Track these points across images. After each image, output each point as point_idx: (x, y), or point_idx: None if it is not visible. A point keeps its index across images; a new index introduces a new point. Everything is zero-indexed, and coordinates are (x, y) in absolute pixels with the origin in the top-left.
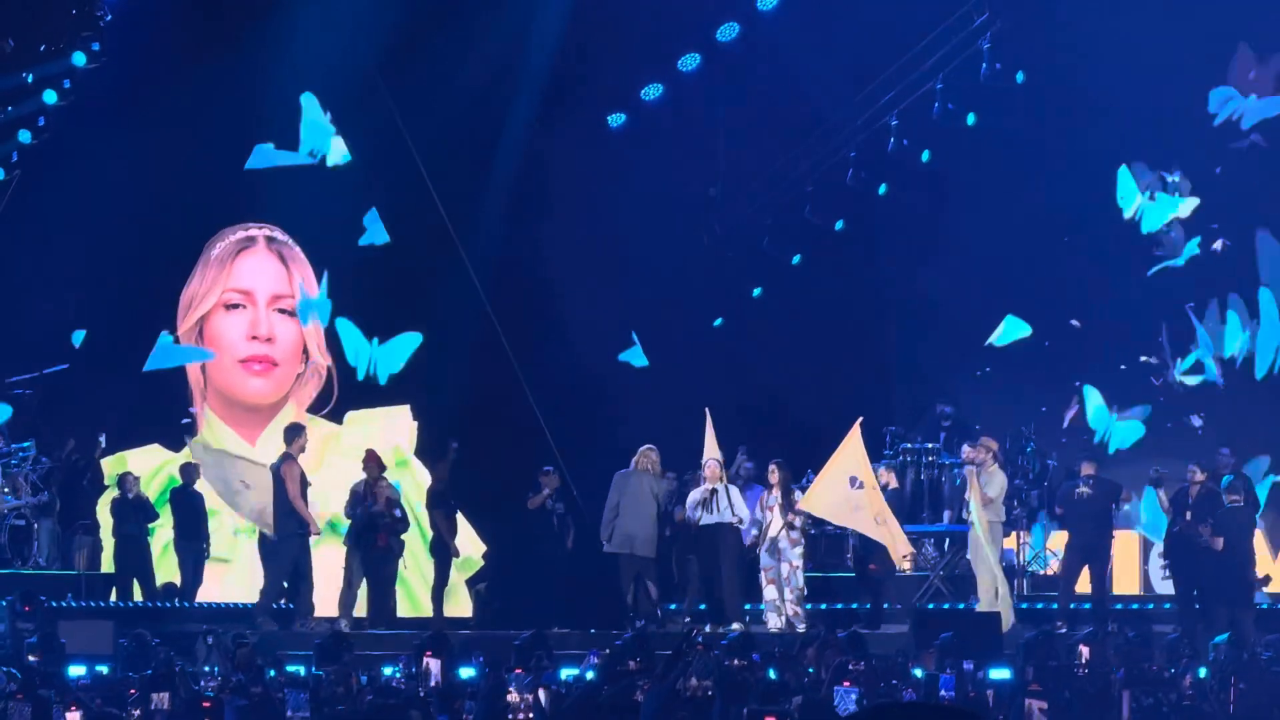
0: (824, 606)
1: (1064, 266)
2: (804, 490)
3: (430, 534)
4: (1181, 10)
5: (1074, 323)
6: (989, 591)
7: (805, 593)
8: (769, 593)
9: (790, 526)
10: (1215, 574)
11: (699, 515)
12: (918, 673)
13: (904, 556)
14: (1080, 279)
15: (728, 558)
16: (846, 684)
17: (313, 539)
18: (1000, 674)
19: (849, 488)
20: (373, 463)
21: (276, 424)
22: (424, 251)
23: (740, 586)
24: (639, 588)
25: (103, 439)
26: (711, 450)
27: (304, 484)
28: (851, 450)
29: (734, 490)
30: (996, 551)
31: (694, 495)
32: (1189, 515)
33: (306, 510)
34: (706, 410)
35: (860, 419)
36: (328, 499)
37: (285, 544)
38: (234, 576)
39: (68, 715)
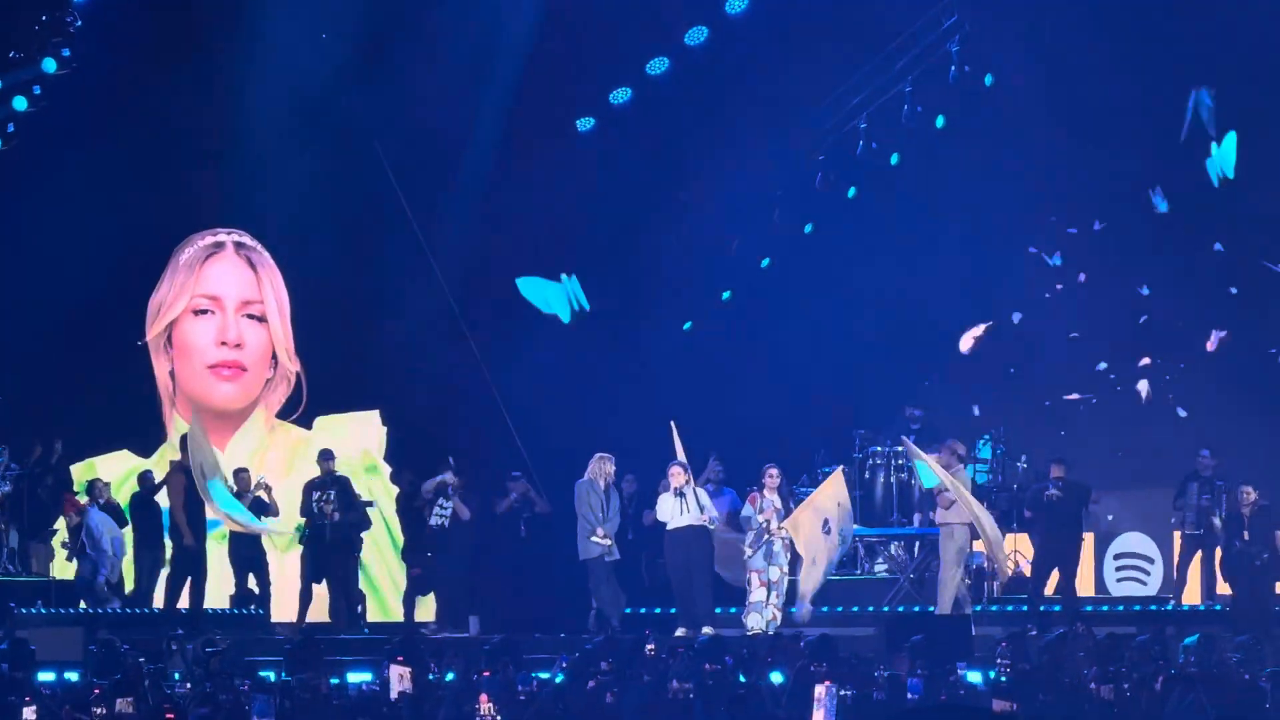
0: (793, 610)
1: (1031, 269)
2: (795, 498)
3: (401, 539)
4: (1149, 13)
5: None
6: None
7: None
8: (758, 594)
9: (784, 530)
10: (1271, 595)
11: (669, 518)
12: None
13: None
14: (1047, 281)
15: (699, 560)
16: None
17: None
18: (974, 676)
19: (820, 530)
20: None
21: (245, 429)
22: (392, 256)
23: (711, 589)
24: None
25: (59, 445)
26: (679, 454)
27: (189, 495)
28: (831, 493)
29: (701, 492)
30: (961, 553)
31: (661, 502)
32: (1246, 535)
33: (184, 521)
34: (672, 423)
35: (843, 467)
36: (296, 504)
37: (174, 552)
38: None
39: (25, 712)
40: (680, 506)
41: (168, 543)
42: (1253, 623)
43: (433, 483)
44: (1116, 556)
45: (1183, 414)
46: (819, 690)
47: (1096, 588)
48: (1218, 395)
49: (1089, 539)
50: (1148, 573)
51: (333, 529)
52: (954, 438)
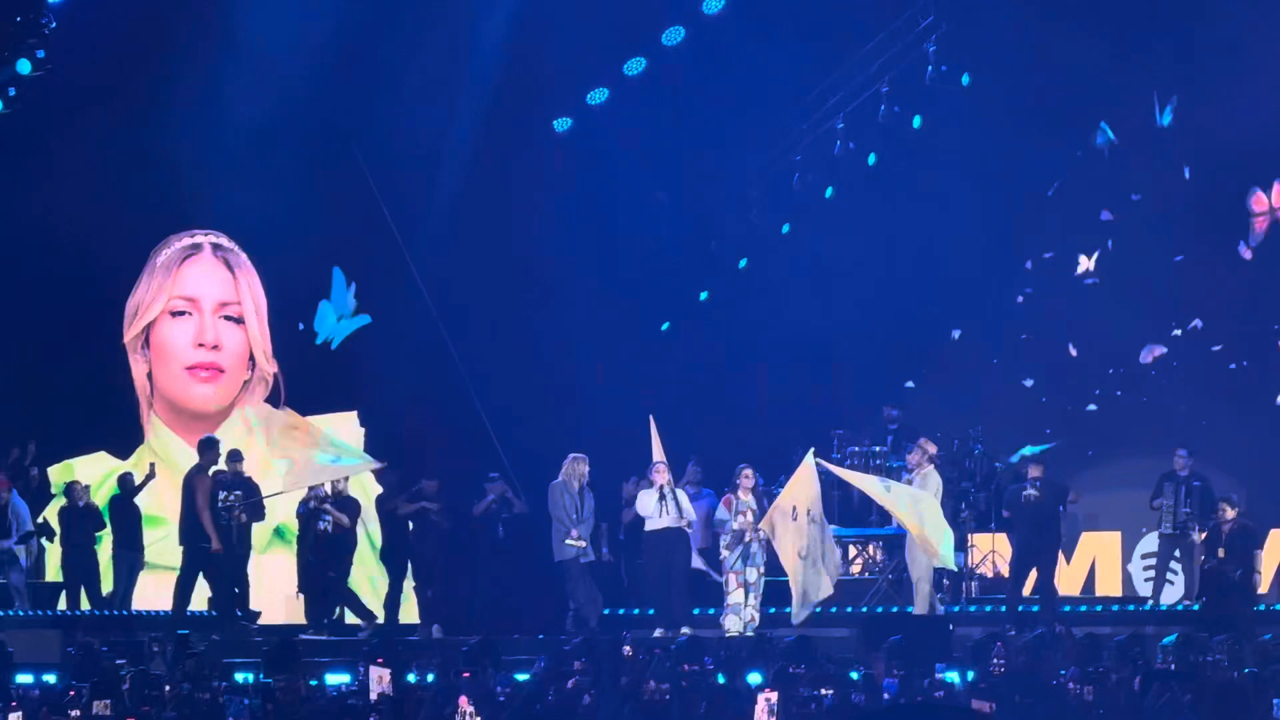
0: (787, 610)
1: (1011, 268)
2: (770, 498)
3: (380, 542)
4: (1123, 14)
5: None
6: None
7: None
8: (736, 595)
9: (760, 531)
10: (1246, 608)
11: (649, 514)
12: (854, 675)
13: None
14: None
15: (678, 562)
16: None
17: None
18: (951, 676)
19: (789, 520)
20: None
21: (223, 431)
22: (370, 257)
23: (688, 590)
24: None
25: (32, 447)
26: (658, 454)
27: (213, 498)
28: (801, 482)
29: (681, 493)
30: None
31: (644, 499)
32: (1222, 553)
33: (210, 524)
34: (650, 417)
35: (813, 449)
36: (274, 505)
37: (187, 554)
38: None
39: (9, 717)
40: (661, 508)
41: (147, 545)
42: (1229, 625)
43: (310, 495)
44: (1144, 556)
45: (1092, 408)
46: (767, 698)
47: (1124, 587)
48: (1203, 394)
49: (1116, 537)
50: (1175, 572)
51: (239, 529)
52: (927, 438)
